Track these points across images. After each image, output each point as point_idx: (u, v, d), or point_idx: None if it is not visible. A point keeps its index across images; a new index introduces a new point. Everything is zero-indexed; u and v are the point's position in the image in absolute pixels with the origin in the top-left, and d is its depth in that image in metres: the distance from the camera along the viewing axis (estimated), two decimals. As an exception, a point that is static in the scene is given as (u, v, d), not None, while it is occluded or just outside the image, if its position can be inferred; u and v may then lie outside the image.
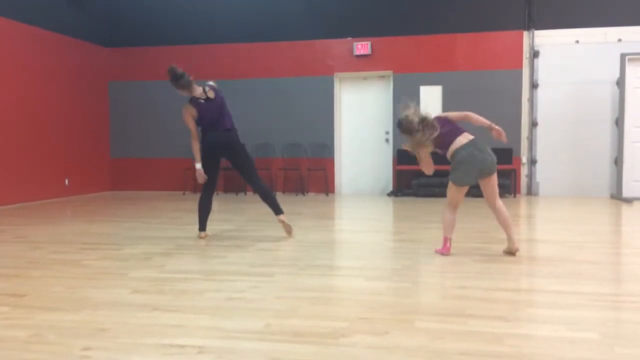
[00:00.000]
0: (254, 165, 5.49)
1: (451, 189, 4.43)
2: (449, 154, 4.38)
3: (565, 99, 9.47)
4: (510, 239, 4.41)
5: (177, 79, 5.05)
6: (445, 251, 4.47)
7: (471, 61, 9.65)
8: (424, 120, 4.33)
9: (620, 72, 8.85)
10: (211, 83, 5.38)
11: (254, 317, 2.89)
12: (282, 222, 5.32)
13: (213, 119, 5.21)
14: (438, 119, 4.39)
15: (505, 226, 4.41)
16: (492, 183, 4.37)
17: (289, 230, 5.36)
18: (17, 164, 8.49)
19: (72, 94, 9.83)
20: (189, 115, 5.19)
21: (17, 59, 8.53)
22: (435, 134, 4.29)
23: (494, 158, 4.33)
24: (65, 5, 9.59)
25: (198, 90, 5.22)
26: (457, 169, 4.33)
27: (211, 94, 5.24)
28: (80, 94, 10.08)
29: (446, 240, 4.48)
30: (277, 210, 5.31)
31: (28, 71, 8.76)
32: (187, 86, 5.13)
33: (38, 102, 8.97)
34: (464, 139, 4.33)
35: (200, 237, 5.37)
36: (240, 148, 5.34)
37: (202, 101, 5.18)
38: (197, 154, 5.17)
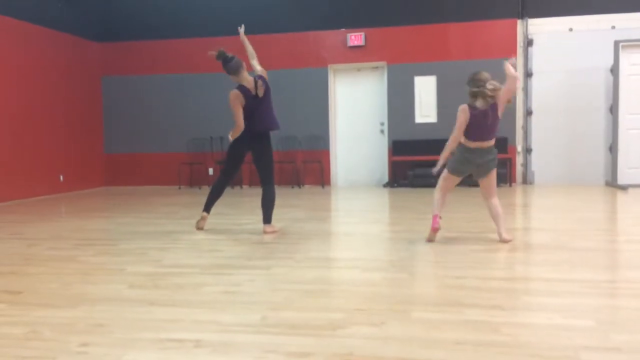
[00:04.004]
0: (273, 167, 5.26)
1: (443, 178, 4.55)
2: (460, 142, 4.41)
3: (559, 87, 9.47)
4: (498, 231, 4.51)
5: (225, 62, 4.92)
6: (435, 225, 4.49)
7: (465, 51, 9.63)
8: (484, 88, 4.25)
9: (614, 59, 8.84)
10: (259, 69, 5.15)
11: (251, 310, 2.89)
12: (266, 232, 5.16)
13: (259, 118, 5.01)
14: (492, 107, 4.31)
15: (494, 220, 4.52)
16: (488, 182, 4.46)
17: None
18: (11, 161, 8.44)
19: (65, 90, 9.77)
20: (238, 103, 4.92)
21: (9, 55, 8.46)
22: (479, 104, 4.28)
23: (490, 166, 4.37)
24: (56, 1, 9.51)
25: (248, 80, 5.01)
26: (456, 160, 4.45)
27: (261, 92, 5.03)
28: (73, 89, 10.02)
29: (435, 217, 4.52)
30: (266, 219, 5.21)
31: (20, 67, 8.70)
32: (234, 71, 4.95)
33: (31, 98, 8.91)
34: (478, 144, 4.33)
35: (199, 220, 5.39)
36: (269, 141, 5.16)
37: (253, 94, 4.99)
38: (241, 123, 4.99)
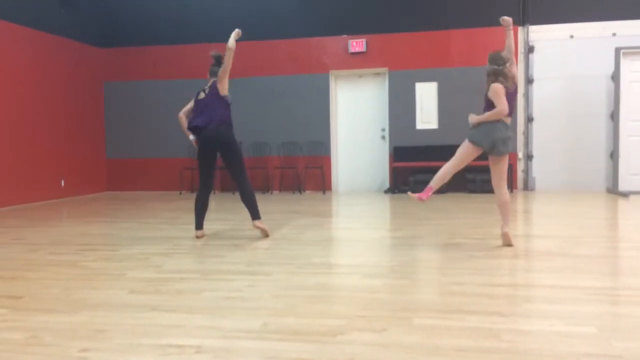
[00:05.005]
0: (243, 164, 5.34)
1: (463, 146, 4.60)
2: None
3: (560, 93, 9.48)
4: (501, 224, 4.60)
5: (218, 64, 5.32)
6: (423, 195, 4.56)
7: (466, 57, 9.64)
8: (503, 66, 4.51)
9: (615, 66, 8.85)
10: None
11: (252, 316, 2.89)
12: (258, 227, 5.25)
13: (197, 114, 5.30)
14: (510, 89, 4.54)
15: (501, 209, 4.61)
16: (500, 165, 4.57)
17: (265, 234, 5.29)
18: (13, 166, 8.45)
19: (67, 95, 9.79)
20: (189, 101, 5.54)
21: (12, 61, 8.49)
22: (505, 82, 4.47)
23: (506, 147, 4.49)
24: (58, 7, 9.55)
25: (208, 84, 5.39)
26: (479, 130, 4.51)
27: (206, 91, 5.33)
28: (75, 94, 10.05)
29: (430, 189, 4.59)
30: (254, 215, 5.25)
31: (23, 72, 8.73)
32: (216, 74, 5.32)
33: (33, 104, 8.94)
34: (504, 117, 4.49)
35: (196, 237, 5.35)
36: (229, 143, 5.22)
37: (203, 94, 5.35)
38: (184, 125, 5.48)
